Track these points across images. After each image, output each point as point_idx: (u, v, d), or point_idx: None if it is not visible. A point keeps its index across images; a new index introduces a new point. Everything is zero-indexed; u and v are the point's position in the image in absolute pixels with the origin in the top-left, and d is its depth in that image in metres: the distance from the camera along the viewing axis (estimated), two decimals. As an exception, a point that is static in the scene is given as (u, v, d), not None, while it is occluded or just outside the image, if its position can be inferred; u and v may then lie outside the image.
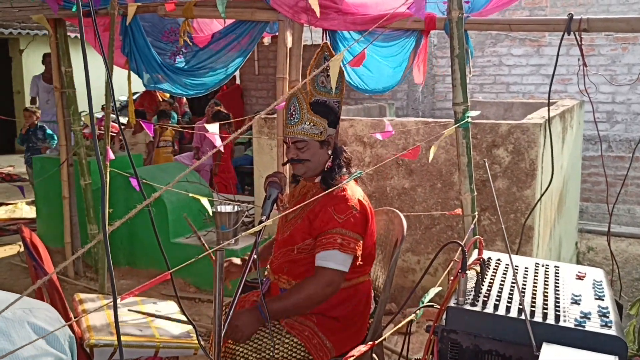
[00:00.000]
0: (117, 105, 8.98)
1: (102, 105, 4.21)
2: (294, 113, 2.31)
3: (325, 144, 2.32)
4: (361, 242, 2.27)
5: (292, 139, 2.32)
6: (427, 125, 4.00)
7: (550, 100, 3.02)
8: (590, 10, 6.79)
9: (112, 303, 1.16)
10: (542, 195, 3.44)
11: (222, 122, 5.79)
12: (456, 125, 2.70)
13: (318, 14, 3.05)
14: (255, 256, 2.05)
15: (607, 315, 1.58)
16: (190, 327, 2.54)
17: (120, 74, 4.14)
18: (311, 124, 2.28)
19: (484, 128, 3.85)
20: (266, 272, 2.53)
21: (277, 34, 3.83)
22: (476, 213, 2.83)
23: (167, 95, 8.72)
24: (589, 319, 1.55)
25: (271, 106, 1.61)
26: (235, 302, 2.05)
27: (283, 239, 2.40)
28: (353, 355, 1.76)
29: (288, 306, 2.24)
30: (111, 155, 3.69)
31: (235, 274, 2.48)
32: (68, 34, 4.68)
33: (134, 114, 4.24)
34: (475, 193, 2.87)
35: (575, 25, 2.66)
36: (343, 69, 2.39)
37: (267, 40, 5.94)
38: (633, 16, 2.83)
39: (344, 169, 2.38)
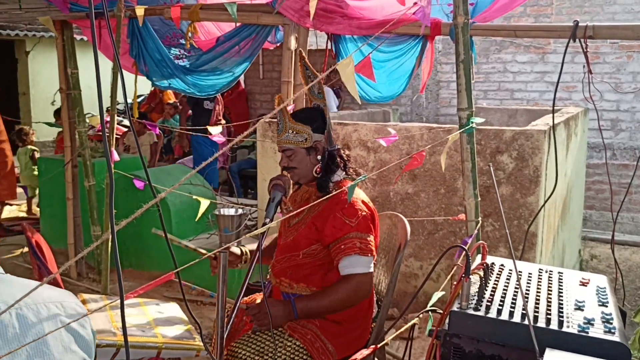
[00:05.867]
0: (122, 108, 8.99)
1: (107, 108, 4.22)
2: (279, 123, 2.34)
3: (312, 151, 2.33)
4: (373, 241, 2.30)
5: (281, 147, 2.36)
6: (431, 130, 4.00)
7: (555, 108, 3.02)
8: (596, 18, 6.79)
9: (116, 303, 1.16)
10: (545, 202, 3.44)
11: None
12: (461, 131, 2.70)
13: (312, 17, 3.05)
14: (257, 260, 2.06)
15: (611, 321, 1.57)
16: (193, 329, 2.54)
17: (125, 75, 4.16)
18: (294, 132, 2.30)
19: (488, 134, 3.85)
20: (268, 276, 2.53)
21: (278, 44, 3.85)
22: (480, 218, 2.83)
23: (173, 97, 8.74)
24: (592, 325, 1.55)
25: (274, 111, 1.61)
26: (237, 304, 2.06)
27: (286, 244, 2.41)
28: (355, 359, 1.76)
29: (321, 307, 2.27)
30: (116, 157, 3.70)
31: (232, 263, 2.47)
32: (74, 36, 4.70)
33: (138, 115, 4.26)
34: (479, 199, 2.87)
35: (580, 32, 2.67)
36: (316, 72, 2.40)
37: (272, 44, 5.99)
38: (638, 24, 2.83)
39: (342, 172, 2.39)
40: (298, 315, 2.26)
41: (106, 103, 4.00)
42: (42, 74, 12.34)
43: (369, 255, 2.25)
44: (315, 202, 2.11)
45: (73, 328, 1.26)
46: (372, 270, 2.27)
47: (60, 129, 7.15)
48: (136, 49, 3.78)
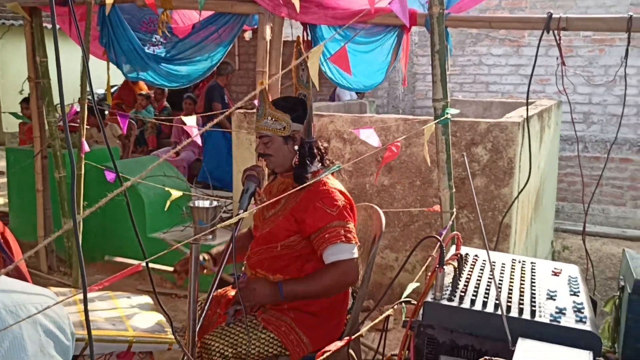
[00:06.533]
0: (95, 98, 8.81)
1: (79, 98, 4.13)
2: (259, 108, 2.32)
3: (290, 140, 2.31)
4: (354, 228, 2.31)
5: (258, 134, 2.34)
6: (407, 122, 4.00)
7: (529, 100, 3.04)
8: (569, 11, 6.85)
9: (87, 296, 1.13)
10: (519, 194, 3.46)
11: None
12: (436, 122, 2.70)
13: (298, 9, 3.03)
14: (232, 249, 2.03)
15: (582, 310, 1.59)
16: (165, 322, 2.50)
17: (98, 65, 4.06)
18: (273, 119, 2.29)
19: (463, 126, 3.86)
20: (243, 268, 2.50)
21: (256, 26, 3.80)
22: (454, 210, 2.83)
23: (146, 88, 8.60)
24: (564, 314, 1.56)
25: (242, 101, 1.58)
26: (210, 297, 2.03)
27: (262, 236, 2.38)
28: (329, 350, 1.74)
29: (308, 292, 2.26)
30: (86, 148, 3.63)
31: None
32: (44, 24, 4.59)
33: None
34: (454, 190, 2.87)
35: (554, 23, 2.68)
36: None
37: (248, 35, 5.90)
38: (611, 15, 2.85)
39: (319, 164, 2.37)
40: (284, 297, 2.24)
41: (76, 93, 3.91)
42: (11, 63, 12.07)
43: (353, 242, 2.26)
44: (291, 192, 2.10)
45: (53, 332, 1.23)
46: (356, 256, 2.27)
47: (22, 120, 6.98)
48: (106, 37, 3.70)
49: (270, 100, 2.34)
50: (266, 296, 2.24)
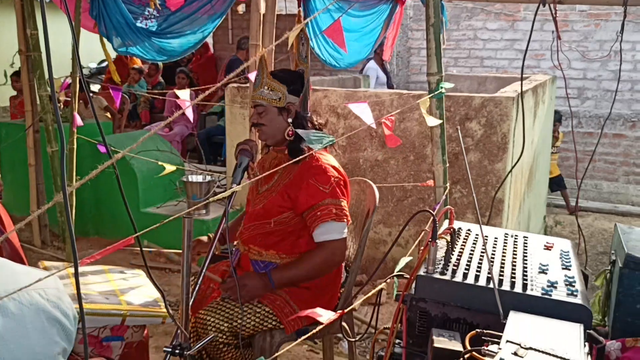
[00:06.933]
0: (86, 73, 8.71)
1: (71, 72, 4.08)
2: (257, 77, 2.32)
3: (285, 111, 2.30)
4: (346, 206, 2.31)
5: (253, 103, 2.34)
6: (401, 97, 3.98)
7: (524, 75, 3.02)
8: (566, -15, 6.80)
9: (80, 270, 1.12)
10: (512, 168, 3.47)
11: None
12: (430, 96, 2.68)
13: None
14: (225, 226, 2.03)
15: (574, 284, 1.60)
16: (159, 296, 2.50)
17: (91, 39, 3.99)
18: (269, 89, 2.28)
19: (458, 101, 3.84)
20: (236, 243, 2.51)
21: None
22: (448, 184, 2.83)
23: (139, 62, 8.51)
24: (555, 287, 1.57)
25: (235, 72, 1.56)
26: (203, 271, 2.03)
27: (255, 211, 2.38)
28: (323, 324, 1.75)
29: (297, 276, 2.28)
30: (79, 122, 3.60)
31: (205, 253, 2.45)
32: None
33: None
34: (448, 165, 2.87)
35: (550, -4, 2.66)
36: (308, 35, 2.38)
37: (241, 8, 5.82)
38: (608, -10, 2.83)
39: None
40: (275, 286, 2.26)
41: (69, 66, 3.85)
42: (2, 35, 11.88)
43: (344, 220, 2.26)
44: (284, 165, 2.09)
45: (57, 318, 1.22)
46: (346, 235, 2.28)
47: (14, 94, 6.89)
48: (96, 9, 3.63)
49: (270, 70, 2.33)
50: (258, 289, 2.26)
